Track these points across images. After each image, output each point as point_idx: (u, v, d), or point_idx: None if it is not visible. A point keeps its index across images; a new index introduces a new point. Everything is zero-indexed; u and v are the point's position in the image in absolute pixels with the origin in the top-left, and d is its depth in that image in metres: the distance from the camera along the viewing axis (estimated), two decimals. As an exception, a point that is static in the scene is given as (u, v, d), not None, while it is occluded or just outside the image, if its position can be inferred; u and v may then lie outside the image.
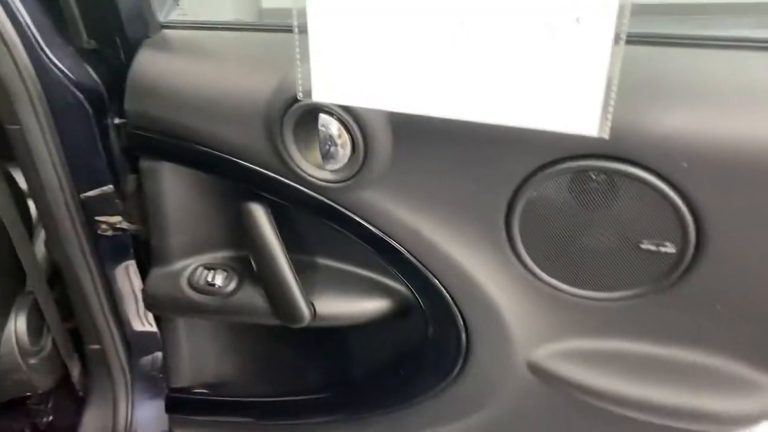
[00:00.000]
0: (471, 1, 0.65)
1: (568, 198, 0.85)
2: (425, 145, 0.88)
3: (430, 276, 0.97)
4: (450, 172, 0.89)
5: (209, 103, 0.95)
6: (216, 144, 0.96)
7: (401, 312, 1.06)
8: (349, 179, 0.91)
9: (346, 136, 0.87)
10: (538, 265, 0.92)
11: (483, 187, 0.89)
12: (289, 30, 0.73)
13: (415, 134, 0.86)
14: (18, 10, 0.94)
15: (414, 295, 1.02)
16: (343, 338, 1.19)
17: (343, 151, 0.89)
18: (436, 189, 0.91)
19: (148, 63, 0.97)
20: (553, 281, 0.93)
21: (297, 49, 0.74)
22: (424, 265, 0.97)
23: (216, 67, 0.96)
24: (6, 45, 0.94)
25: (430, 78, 0.70)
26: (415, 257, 0.96)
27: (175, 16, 1.03)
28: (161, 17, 1.00)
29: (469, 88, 0.69)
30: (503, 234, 0.91)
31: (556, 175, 0.84)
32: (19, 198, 1.23)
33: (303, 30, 0.73)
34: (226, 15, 1.21)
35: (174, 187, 1.05)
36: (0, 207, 1.15)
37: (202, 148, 0.97)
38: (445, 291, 0.98)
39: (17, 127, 1.01)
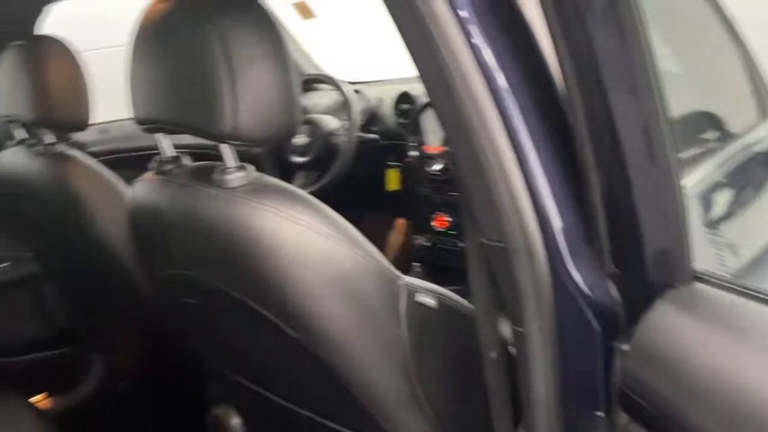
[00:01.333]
0: None
1: None
2: None
3: None
4: None
5: (720, 396, 0.69)
6: None
7: None
8: None
9: None
10: None
11: None
12: None
13: None
14: (550, 222, 0.90)
15: None
16: None
17: None
18: None
19: (663, 320, 0.77)
20: None
21: None
22: None
23: (743, 350, 0.70)
24: (530, 254, 0.91)
25: None
26: None
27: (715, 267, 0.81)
28: (697, 265, 0.80)
29: None
30: None
31: None
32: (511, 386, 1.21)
33: None
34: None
35: None
36: (492, 393, 1.14)
37: None
38: None
39: (521, 329, 0.96)
